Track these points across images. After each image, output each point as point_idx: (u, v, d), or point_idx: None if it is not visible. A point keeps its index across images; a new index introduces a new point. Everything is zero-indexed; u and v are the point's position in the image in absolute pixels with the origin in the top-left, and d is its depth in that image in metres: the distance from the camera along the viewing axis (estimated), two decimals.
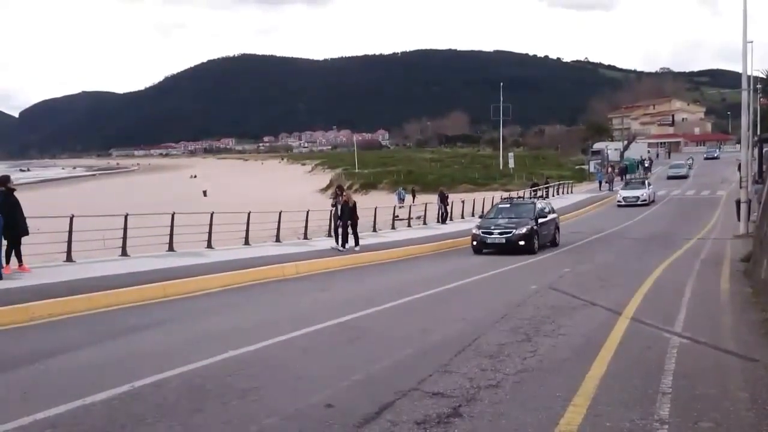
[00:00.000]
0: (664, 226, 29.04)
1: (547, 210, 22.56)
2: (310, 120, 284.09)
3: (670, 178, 58.46)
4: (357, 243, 19.48)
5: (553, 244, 21.94)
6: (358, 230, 19.77)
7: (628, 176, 57.29)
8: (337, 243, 19.18)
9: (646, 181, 44.23)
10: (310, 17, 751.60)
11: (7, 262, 12.32)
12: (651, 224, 30.10)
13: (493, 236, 19.87)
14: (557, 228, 22.88)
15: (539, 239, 20.30)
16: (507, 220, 20.60)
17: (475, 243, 20.05)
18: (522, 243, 19.50)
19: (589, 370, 6.65)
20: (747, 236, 21.45)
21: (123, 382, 6.07)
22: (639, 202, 39.42)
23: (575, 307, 10.55)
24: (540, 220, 20.78)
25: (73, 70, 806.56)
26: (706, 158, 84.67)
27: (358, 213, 19.79)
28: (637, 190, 41.35)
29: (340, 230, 19.25)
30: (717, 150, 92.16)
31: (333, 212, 20.55)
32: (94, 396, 5.69)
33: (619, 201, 40.54)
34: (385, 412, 5.38)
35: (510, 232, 19.70)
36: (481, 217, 25.31)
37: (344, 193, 19.92)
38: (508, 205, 22.57)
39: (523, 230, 19.73)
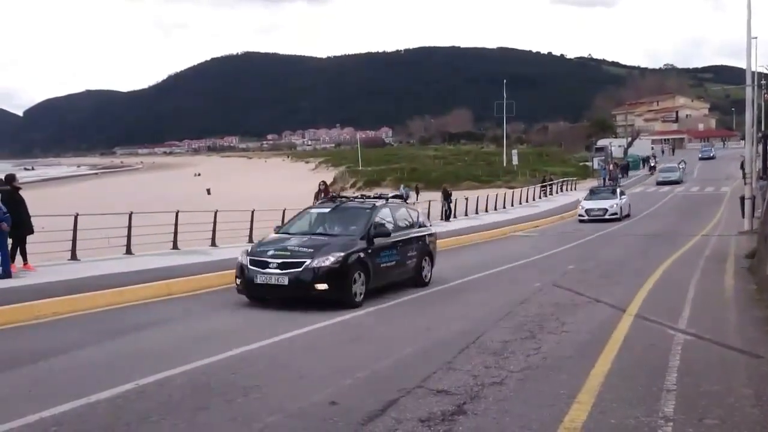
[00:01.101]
0: (668, 222, 28.97)
1: (407, 220, 12.89)
2: (313, 118, 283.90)
3: (660, 183, 52.14)
4: None
5: (419, 281, 12.63)
6: None
7: (630, 173, 57.43)
8: None
9: (618, 190, 33.88)
10: (312, 15, 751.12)
11: (12, 260, 12.35)
12: (655, 221, 30.03)
13: (266, 272, 10.26)
14: (429, 254, 13.22)
15: (374, 277, 10.90)
16: (307, 238, 11.04)
17: (239, 281, 10.73)
18: (323, 286, 10.03)
19: (593, 367, 6.65)
20: (751, 233, 21.38)
21: (128, 380, 6.09)
22: (607, 216, 29.73)
23: (579, 305, 10.55)
24: (379, 241, 11.27)
25: (77, 69, 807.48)
26: (702, 158, 78.80)
27: None
28: (605, 200, 31.34)
29: None
30: (712, 149, 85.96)
31: None
32: (99, 394, 5.71)
33: (581, 215, 30.47)
34: (389, 409, 5.38)
35: (299, 265, 10.14)
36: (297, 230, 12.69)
37: (329, 189, 19.42)
38: (327, 210, 12.38)
39: (328, 261, 10.15)
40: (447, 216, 32.70)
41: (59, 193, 75.14)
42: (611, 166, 57.71)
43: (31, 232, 12.92)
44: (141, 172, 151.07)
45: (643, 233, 24.93)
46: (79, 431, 4.94)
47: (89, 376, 6.36)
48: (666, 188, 49.43)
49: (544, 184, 50.80)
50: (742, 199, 25.00)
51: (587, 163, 75.17)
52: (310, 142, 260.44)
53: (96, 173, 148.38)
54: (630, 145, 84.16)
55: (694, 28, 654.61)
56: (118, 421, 5.12)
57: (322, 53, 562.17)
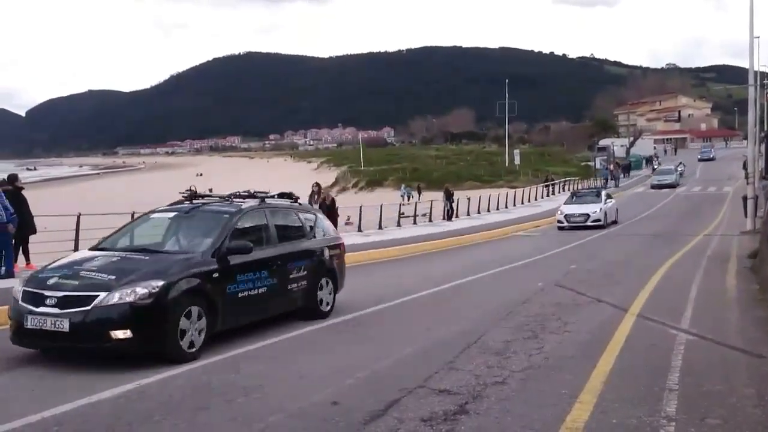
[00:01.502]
0: (670, 222, 28.95)
1: (297, 229, 9.67)
2: (315, 118, 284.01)
3: (655, 187, 49.14)
4: None
5: (312, 312, 9.39)
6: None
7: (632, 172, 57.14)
8: None
9: (603, 192, 30.08)
10: (313, 15, 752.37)
11: (15, 260, 12.37)
12: (657, 221, 30.01)
13: (40, 310, 6.75)
14: (329, 274, 10.00)
15: (225, 313, 7.68)
16: (119, 258, 7.61)
17: (10, 323, 7.21)
18: (124, 334, 6.67)
19: (595, 367, 6.64)
20: (754, 233, 21.36)
21: (129, 381, 6.10)
22: (589, 223, 26.46)
23: (581, 304, 10.53)
24: (238, 259, 7.95)
25: (79, 70, 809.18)
26: (701, 159, 75.43)
27: (338, 212, 18.52)
28: (587, 205, 27.87)
29: None
30: (712, 150, 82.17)
31: None
32: (100, 394, 5.72)
33: (559, 222, 27.20)
34: (391, 409, 5.38)
35: (87, 301, 6.72)
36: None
37: (322, 191, 18.61)
38: (172, 215, 8.96)
39: (134, 294, 6.77)
40: (449, 216, 32.70)
41: (61, 193, 75.25)
42: (612, 166, 57.67)
43: (34, 232, 12.94)
44: (143, 172, 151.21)
45: (645, 233, 24.90)
46: (81, 431, 4.94)
47: (91, 376, 6.36)
48: (667, 188, 49.34)
49: (547, 183, 50.82)
50: (745, 198, 24.96)
51: (589, 163, 75.12)
52: (311, 142, 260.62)
53: (98, 173, 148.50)
54: (632, 144, 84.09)
55: (696, 28, 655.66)
56: (120, 421, 5.13)
57: (323, 53, 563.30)
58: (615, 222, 28.54)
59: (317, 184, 19.33)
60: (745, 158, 31.70)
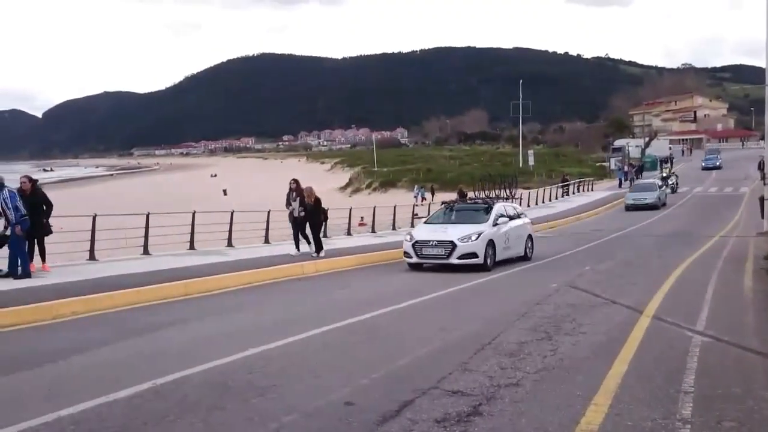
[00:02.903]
0: (685, 223, 28.76)
1: None
2: (329, 118, 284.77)
3: (630, 208, 37.15)
4: (318, 248, 16.57)
5: None
6: (321, 234, 17.12)
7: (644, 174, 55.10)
8: (309, 246, 16.70)
9: (496, 208, 17.30)
10: (326, 16, 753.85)
11: (31, 260, 12.48)
12: (672, 222, 29.81)
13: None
14: None
15: None
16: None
17: None
18: None
19: (610, 368, 6.61)
20: None
21: (145, 380, 6.14)
22: (454, 261, 15.38)
23: (596, 306, 10.49)
24: None
25: (95, 71, 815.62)
26: (705, 168, 67.09)
27: (325, 213, 17.48)
28: (460, 226, 16.20)
29: (308, 232, 16.70)
30: (718, 156, 70.97)
31: (290, 211, 16.98)
32: (117, 393, 5.76)
33: (407, 255, 16.13)
34: (404, 410, 5.38)
35: None
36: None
37: (307, 190, 16.83)
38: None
39: None
40: None
41: (77, 193, 75.78)
42: (626, 167, 57.31)
43: (50, 232, 13.05)
44: (158, 172, 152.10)
45: (660, 234, 24.75)
46: (96, 430, 4.98)
47: (107, 376, 6.42)
48: (684, 188, 48.83)
49: (564, 184, 50.63)
50: (761, 199, 24.70)
51: (604, 164, 74.75)
52: (325, 143, 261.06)
53: (112, 174, 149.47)
54: (647, 145, 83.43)
55: (712, 27, 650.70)
56: (136, 421, 5.16)
57: (337, 54, 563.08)
58: (526, 258, 17.55)
59: (295, 181, 17.17)
60: (761, 159, 31.37)
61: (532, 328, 8.71)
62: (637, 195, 38.31)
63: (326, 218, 17.21)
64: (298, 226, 16.67)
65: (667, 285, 12.59)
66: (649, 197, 37.47)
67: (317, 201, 16.91)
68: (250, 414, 5.32)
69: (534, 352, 7.35)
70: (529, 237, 18.06)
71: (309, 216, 16.63)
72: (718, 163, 67.99)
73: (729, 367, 6.82)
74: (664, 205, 38.02)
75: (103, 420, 5.17)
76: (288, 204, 16.92)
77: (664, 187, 41.40)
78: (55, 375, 6.54)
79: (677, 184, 48.05)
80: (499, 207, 17.39)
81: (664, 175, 49.19)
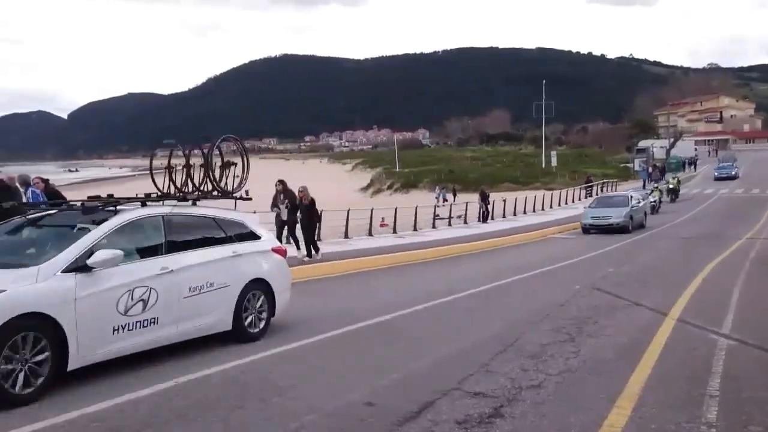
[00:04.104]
0: (712, 225, 28.41)
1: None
2: (350, 119, 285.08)
3: (588, 229, 26.80)
4: (314, 251, 15.90)
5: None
6: (316, 236, 16.40)
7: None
8: (299, 249, 16.12)
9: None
10: (348, 17, 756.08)
11: None
12: (698, 223, 29.47)
13: None
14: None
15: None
16: None
17: None
18: None
19: (633, 371, 6.53)
20: None
21: (167, 378, 6.18)
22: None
23: (619, 308, 10.38)
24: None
25: (119, 73, 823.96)
26: (718, 178, 58.09)
27: (319, 214, 16.56)
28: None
29: (299, 234, 16.10)
30: (734, 164, 61.92)
31: (276, 213, 16.25)
32: (139, 391, 5.79)
33: None
34: (425, 411, 5.36)
35: None
36: None
37: (300, 188, 16.08)
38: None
39: None
40: (484, 217, 32.54)
41: (102, 193, 76.56)
42: (650, 168, 56.76)
43: None
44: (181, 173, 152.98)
45: (686, 236, 24.48)
46: (118, 427, 5.02)
47: (129, 373, 6.46)
48: (710, 190, 48.15)
49: (587, 185, 50.30)
50: None
51: (628, 165, 74.13)
52: (347, 144, 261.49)
53: (133, 175, 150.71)
54: (672, 146, 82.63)
55: (738, 26, 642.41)
56: (157, 419, 5.19)
57: (359, 54, 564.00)
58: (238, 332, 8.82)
59: (281, 182, 16.14)
60: None
61: (554, 329, 8.63)
62: (599, 212, 27.37)
63: (319, 220, 16.25)
64: (286, 228, 16.02)
65: (693, 287, 12.43)
66: (615, 216, 26.44)
67: (312, 202, 16.14)
68: (270, 413, 5.33)
69: (556, 354, 7.29)
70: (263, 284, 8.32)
71: (304, 217, 15.93)
72: (733, 173, 58.82)
73: (755, 370, 6.72)
74: (641, 227, 27.82)
75: (126, 417, 5.21)
76: (274, 206, 16.10)
77: (644, 201, 30.68)
78: (79, 373, 6.58)
79: (658, 203, 37.19)
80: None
81: (671, 186, 44.03)
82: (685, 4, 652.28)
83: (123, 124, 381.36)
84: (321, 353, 7.53)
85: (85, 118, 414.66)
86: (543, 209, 38.57)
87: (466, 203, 33.61)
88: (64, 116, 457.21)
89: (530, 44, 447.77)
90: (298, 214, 16.08)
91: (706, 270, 15.02)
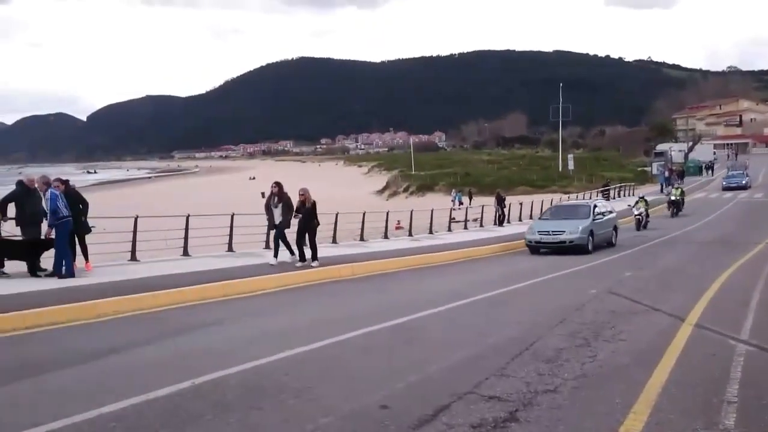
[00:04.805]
0: (731, 229, 28.13)
1: None
2: (366, 122, 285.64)
3: (535, 249, 21.36)
4: (315, 256, 15.18)
5: None
6: (316, 240, 15.49)
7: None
8: (291, 255, 15.25)
9: None
10: (365, 20, 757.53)
11: (73, 259, 12.72)
12: (717, 228, 29.19)
13: None
14: None
15: None
16: None
17: None
18: None
19: (650, 376, 6.49)
20: None
21: (184, 379, 6.22)
22: None
23: (636, 312, 10.32)
24: None
25: (138, 76, 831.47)
26: (726, 188, 53.19)
27: (318, 218, 15.57)
28: None
29: (292, 239, 15.22)
30: (745, 173, 56.82)
31: (269, 217, 15.38)
32: (157, 392, 5.84)
33: None
34: (440, 414, 5.36)
35: None
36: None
37: (301, 190, 15.27)
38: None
39: None
40: (500, 221, 32.45)
41: (120, 195, 77.18)
42: (666, 172, 56.37)
43: (89, 231, 13.30)
44: (198, 175, 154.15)
45: (704, 240, 24.26)
46: (136, 427, 5.06)
47: (148, 374, 6.52)
48: (729, 194, 47.62)
49: (603, 189, 50.02)
50: None
51: (646, 169, 73.59)
52: (363, 146, 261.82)
53: (150, 177, 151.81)
54: (691, 150, 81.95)
55: (758, 29, 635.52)
56: (175, 419, 5.23)
57: (375, 58, 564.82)
58: None
59: (277, 184, 15.35)
60: None
61: (570, 334, 8.60)
62: (549, 226, 21.58)
63: (318, 224, 15.44)
64: (279, 232, 15.10)
65: (711, 292, 12.31)
66: (569, 231, 20.81)
67: (314, 204, 15.33)
68: (286, 415, 5.36)
69: (572, 359, 7.26)
70: None
71: (305, 220, 15.09)
72: (744, 182, 53.70)
73: None
74: (609, 245, 22.49)
75: (144, 417, 5.25)
76: (268, 209, 15.27)
77: (611, 215, 23.89)
78: (97, 372, 6.66)
79: (682, 202, 37.18)
80: None
81: (673, 198, 36.90)
82: (705, 7, 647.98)
83: (141, 126, 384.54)
84: (337, 356, 7.54)
85: (104, 120, 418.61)
86: None
87: (482, 206, 33.53)
88: (83, 118, 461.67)
89: (547, 47, 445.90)
90: (293, 216, 15.12)
91: (724, 275, 14.87)
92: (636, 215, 29.93)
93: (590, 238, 20.99)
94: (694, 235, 26.42)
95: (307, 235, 15.13)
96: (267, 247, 17.29)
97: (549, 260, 18.89)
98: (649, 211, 31.67)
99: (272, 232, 15.85)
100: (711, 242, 23.55)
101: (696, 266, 17.07)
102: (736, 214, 36.42)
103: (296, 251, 15.20)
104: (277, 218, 15.05)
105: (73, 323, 9.12)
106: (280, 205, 15.01)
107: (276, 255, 15.03)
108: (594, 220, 21.77)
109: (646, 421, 5.21)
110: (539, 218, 23.34)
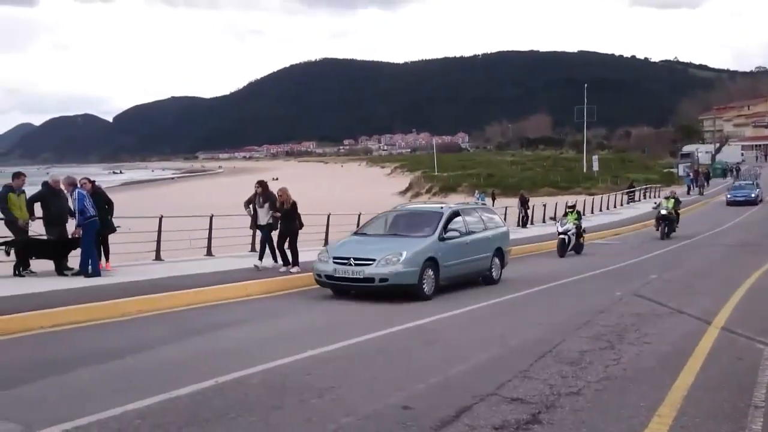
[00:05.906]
0: (758, 232, 27.72)
1: None
2: (389, 123, 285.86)
3: (336, 286, 12.40)
4: (296, 261, 13.90)
5: None
6: (297, 244, 14.18)
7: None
8: (275, 260, 14.26)
9: None
10: (388, 21, 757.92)
11: (99, 259, 12.86)
12: (745, 230, 28.78)
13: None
14: None
15: None
16: None
17: None
18: None
19: (675, 380, 6.42)
20: None
21: (207, 378, 6.26)
22: None
23: (661, 315, 10.21)
24: None
25: (163, 77, 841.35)
26: (731, 202, 42.50)
27: (300, 218, 14.35)
28: None
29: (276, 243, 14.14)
30: (756, 185, 46.28)
31: (252, 217, 14.49)
32: (179, 390, 5.88)
33: None
34: (462, 415, 5.34)
35: None
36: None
37: (280, 190, 14.32)
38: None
39: None
40: (524, 222, 32.27)
41: (145, 195, 77.92)
42: (692, 174, 55.73)
43: (113, 230, 13.44)
44: (221, 175, 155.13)
45: (731, 242, 23.94)
46: (160, 424, 5.10)
47: (171, 373, 6.58)
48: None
49: (629, 190, 49.57)
50: None
51: (672, 170, 72.77)
52: (386, 147, 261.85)
53: (174, 177, 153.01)
54: (718, 151, 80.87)
55: None
56: (197, 417, 5.27)
57: (398, 59, 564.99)
58: None
59: (260, 184, 14.54)
60: None
61: (594, 336, 8.52)
62: (352, 251, 12.31)
63: (302, 225, 14.29)
64: (266, 234, 14.19)
65: (738, 295, 12.15)
66: (383, 260, 11.58)
67: (294, 205, 14.12)
68: (309, 414, 5.37)
69: (596, 361, 7.20)
70: None
71: (285, 223, 13.98)
72: (753, 195, 43.33)
73: None
74: (492, 281, 14.00)
75: (167, 415, 5.30)
76: (252, 209, 14.39)
77: (494, 231, 14.64)
78: (122, 370, 6.73)
79: (676, 218, 26.71)
80: None
81: (663, 212, 25.85)
82: (732, 6, 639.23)
83: (166, 127, 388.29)
84: (359, 356, 7.55)
85: (130, 121, 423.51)
86: (584, 214, 37.96)
87: (506, 207, 33.35)
88: (110, 119, 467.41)
89: (572, 48, 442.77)
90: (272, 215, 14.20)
91: (753, 278, 14.68)
92: (560, 234, 20.72)
93: (428, 272, 11.95)
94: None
95: (288, 239, 13.96)
96: (253, 249, 16.77)
97: (577, 260, 18.70)
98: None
99: (258, 233, 15.01)
100: (736, 245, 23.19)
101: (724, 268, 16.84)
102: (757, 219, 35.86)
103: (279, 257, 14.17)
104: (264, 219, 14.23)
105: (98, 322, 9.22)
106: (266, 205, 14.15)
107: (261, 258, 14.07)
108: (443, 239, 12.64)
109: (670, 424, 5.16)
110: (353, 233, 14.28)
